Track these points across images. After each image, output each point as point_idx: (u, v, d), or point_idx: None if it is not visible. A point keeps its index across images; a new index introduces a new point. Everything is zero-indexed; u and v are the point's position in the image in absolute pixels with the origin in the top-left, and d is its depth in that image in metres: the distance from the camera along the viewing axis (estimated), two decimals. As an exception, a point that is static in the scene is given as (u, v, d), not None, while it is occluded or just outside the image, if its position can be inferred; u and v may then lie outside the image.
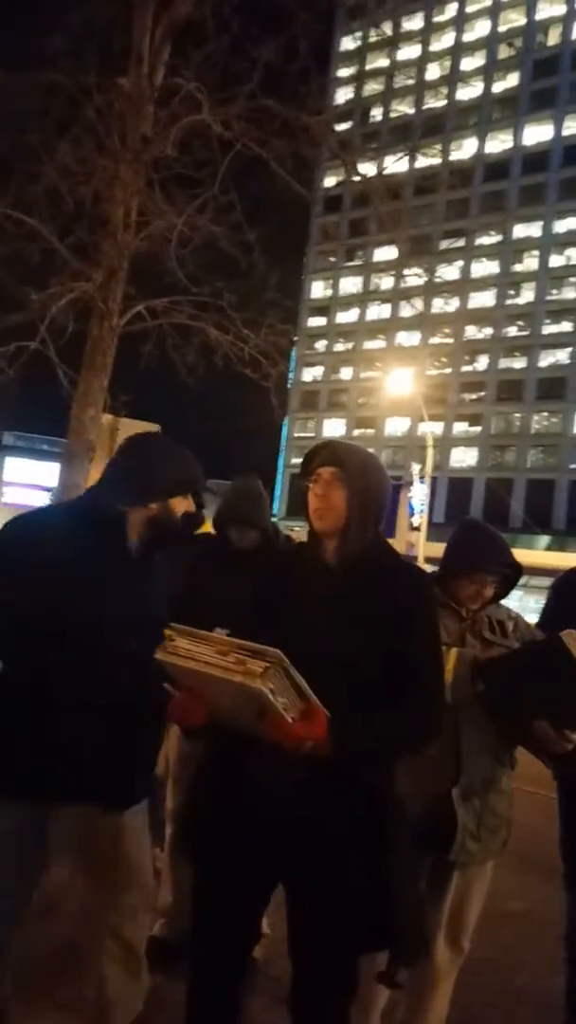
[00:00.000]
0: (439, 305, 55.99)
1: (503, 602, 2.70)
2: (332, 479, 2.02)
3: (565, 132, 54.52)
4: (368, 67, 59.74)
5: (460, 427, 55.75)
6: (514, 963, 3.42)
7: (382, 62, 61.01)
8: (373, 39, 56.18)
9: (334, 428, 61.59)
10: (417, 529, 27.54)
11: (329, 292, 63.34)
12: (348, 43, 60.11)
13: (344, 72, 60.34)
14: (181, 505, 2.21)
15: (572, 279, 53.43)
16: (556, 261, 54.31)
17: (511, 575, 2.65)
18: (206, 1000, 2.01)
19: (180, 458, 2.26)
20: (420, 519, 28.31)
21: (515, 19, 58.04)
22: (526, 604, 6.50)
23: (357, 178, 9.29)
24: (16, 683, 2.09)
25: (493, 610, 2.67)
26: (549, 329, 53.68)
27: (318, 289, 63.46)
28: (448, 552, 2.65)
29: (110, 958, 2.14)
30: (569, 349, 52.56)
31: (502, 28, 58.26)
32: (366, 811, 1.91)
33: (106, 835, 2.13)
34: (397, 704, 1.93)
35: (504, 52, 58.03)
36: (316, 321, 62.79)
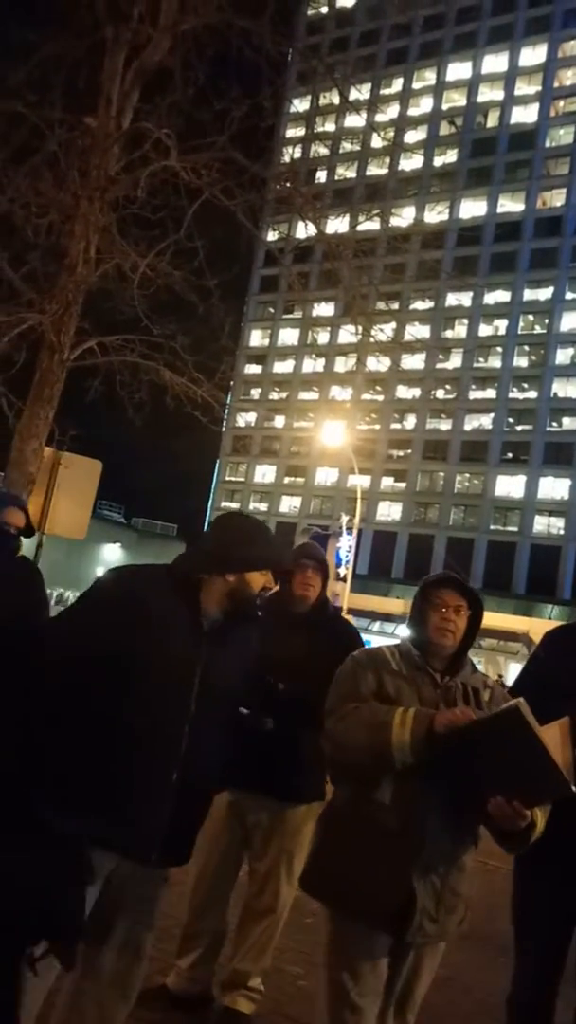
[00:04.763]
0: (372, 363, 57.40)
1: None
2: None
3: (499, 209, 57.39)
4: (316, 130, 61.66)
5: (387, 481, 56.85)
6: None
7: (329, 127, 63.14)
8: (323, 102, 58.11)
9: (265, 473, 61.96)
10: (343, 580, 27.72)
11: (267, 342, 64.20)
12: (298, 105, 62.00)
13: (292, 133, 62.20)
14: (259, 580, 2.33)
15: (498, 348, 55.70)
16: (484, 331, 56.60)
17: (476, 608, 2.56)
18: None
19: (261, 536, 2.41)
20: (346, 570, 28.53)
21: (457, 99, 61.22)
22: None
23: (307, 234, 9.43)
24: (79, 721, 2.14)
25: (468, 676, 2.58)
26: (475, 395, 55.65)
27: (256, 338, 64.27)
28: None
29: None
30: (492, 415, 54.53)
31: (444, 106, 61.31)
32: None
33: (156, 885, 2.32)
34: None
35: (445, 129, 60.97)
36: (252, 369, 63.40)
